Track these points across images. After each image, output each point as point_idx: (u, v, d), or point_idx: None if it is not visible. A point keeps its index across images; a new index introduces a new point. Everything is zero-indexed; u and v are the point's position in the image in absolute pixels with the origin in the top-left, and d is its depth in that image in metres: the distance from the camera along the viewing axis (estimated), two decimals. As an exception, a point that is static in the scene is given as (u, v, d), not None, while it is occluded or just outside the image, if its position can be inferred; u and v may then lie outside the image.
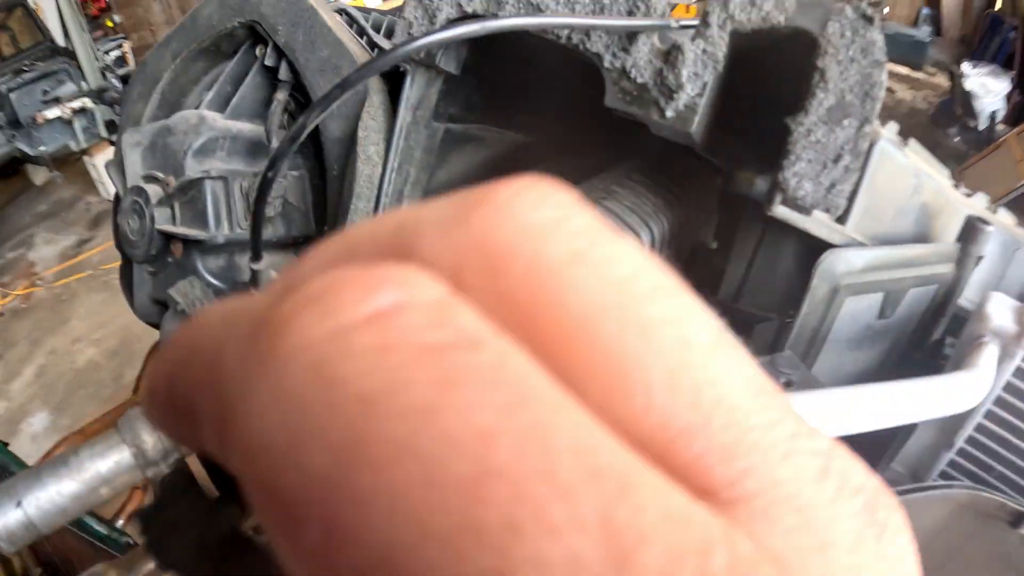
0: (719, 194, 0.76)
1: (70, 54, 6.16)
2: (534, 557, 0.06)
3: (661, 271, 0.09)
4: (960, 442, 0.58)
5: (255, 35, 0.70)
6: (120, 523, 0.97)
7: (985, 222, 0.54)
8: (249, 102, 0.70)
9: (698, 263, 0.79)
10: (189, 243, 0.67)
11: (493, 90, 0.56)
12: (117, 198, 0.79)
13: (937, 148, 4.68)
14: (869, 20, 0.32)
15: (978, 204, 0.65)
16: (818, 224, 0.44)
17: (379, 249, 0.10)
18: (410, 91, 0.48)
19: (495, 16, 0.39)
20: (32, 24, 5.90)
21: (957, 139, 4.25)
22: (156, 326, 0.77)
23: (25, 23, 6.00)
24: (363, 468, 0.07)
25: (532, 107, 0.62)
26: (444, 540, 0.07)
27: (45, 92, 5.36)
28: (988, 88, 4.30)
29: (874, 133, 0.47)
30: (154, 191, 0.67)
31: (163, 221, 0.67)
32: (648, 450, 0.08)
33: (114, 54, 7.35)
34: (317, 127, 0.58)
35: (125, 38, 7.98)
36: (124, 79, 6.65)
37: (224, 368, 0.09)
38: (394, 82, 0.53)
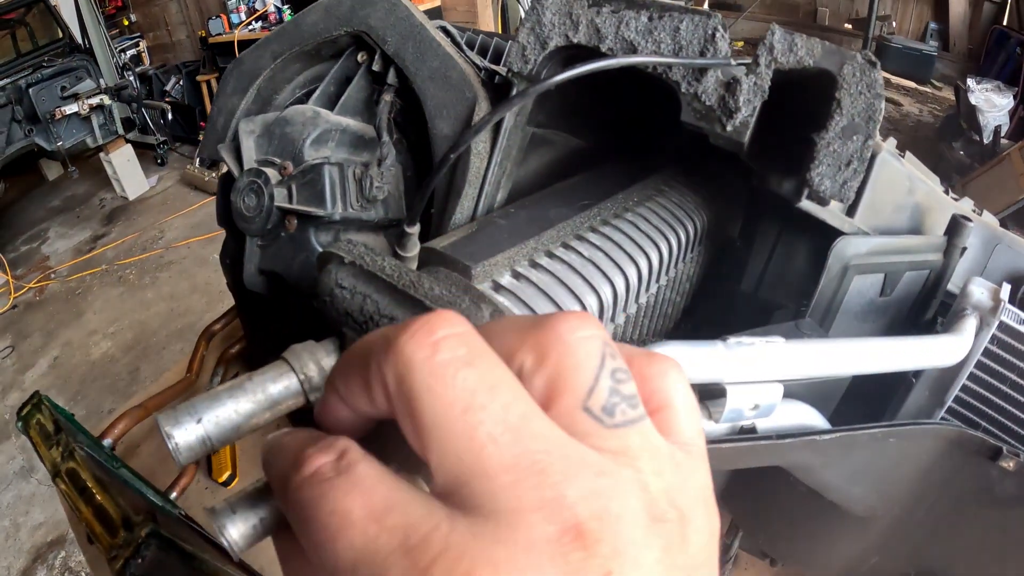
0: (745, 197, 0.89)
1: (88, 51, 6.10)
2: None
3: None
4: (950, 401, 0.71)
5: (359, 43, 0.81)
6: (173, 495, 1.03)
7: (967, 219, 0.67)
8: (354, 101, 0.81)
9: (727, 256, 0.92)
10: (304, 219, 0.77)
11: (568, 103, 0.69)
12: (226, 178, 0.91)
13: (941, 161, 4.72)
14: (873, 64, 0.45)
15: (963, 206, 0.78)
16: (832, 215, 0.57)
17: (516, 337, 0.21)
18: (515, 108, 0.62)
19: (598, 50, 0.52)
20: (51, 20, 5.97)
21: (961, 152, 4.33)
22: (260, 295, 0.90)
23: (43, 20, 6.02)
24: (434, 383, 0.18)
25: (595, 119, 0.75)
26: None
27: (63, 88, 5.50)
28: (992, 103, 4.38)
29: (876, 146, 0.61)
30: (272, 173, 0.79)
31: (281, 199, 0.77)
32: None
33: (130, 52, 7.34)
34: (426, 126, 0.71)
35: (141, 37, 7.98)
36: (141, 77, 6.61)
37: (380, 352, 0.20)
38: (496, 91, 0.66)
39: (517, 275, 0.56)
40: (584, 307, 0.55)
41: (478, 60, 0.78)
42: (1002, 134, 4.41)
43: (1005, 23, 6.61)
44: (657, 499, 0.18)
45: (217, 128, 0.89)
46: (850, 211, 0.59)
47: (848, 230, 0.59)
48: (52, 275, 5.25)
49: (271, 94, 0.92)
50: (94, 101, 5.57)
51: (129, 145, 6.40)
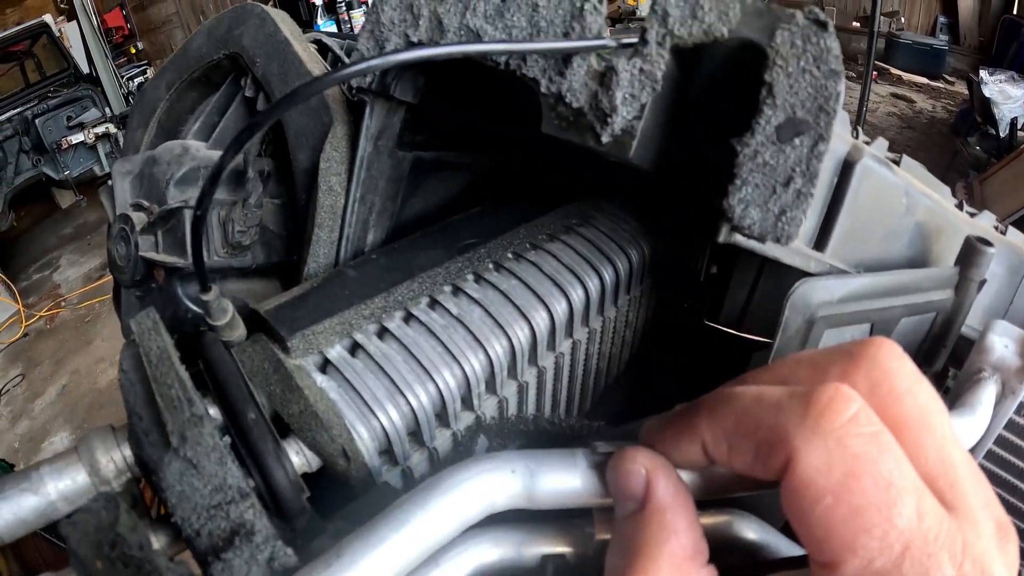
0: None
1: (94, 80, 6.22)
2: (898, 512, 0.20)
3: (939, 403, 0.24)
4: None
5: (239, 67, 0.72)
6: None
7: (986, 242, 0.51)
8: (231, 132, 0.71)
9: (691, 289, 0.76)
10: (170, 270, 0.67)
11: (459, 117, 0.54)
12: (109, 225, 0.80)
13: (956, 157, 4.53)
14: (822, 25, 0.30)
15: (983, 223, 0.61)
16: (789, 252, 0.41)
17: (828, 373, 0.24)
18: (369, 121, 0.47)
19: (436, 44, 0.37)
20: (56, 51, 6.05)
21: (978, 147, 4.14)
22: None
23: (50, 50, 6.12)
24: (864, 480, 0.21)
25: (500, 131, 0.60)
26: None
27: (70, 118, 5.62)
28: (1007, 94, 4.19)
29: (855, 151, 0.45)
30: (139, 218, 0.68)
31: (147, 248, 0.67)
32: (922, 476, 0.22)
33: (138, 80, 7.53)
34: (289, 157, 0.58)
35: (149, 64, 8.19)
36: None
37: (784, 424, 0.22)
38: (360, 114, 0.52)
39: (355, 345, 0.41)
40: (439, 389, 0.39)
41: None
42: (1019, 126, 4.27)
43: (1015, 12, 6.49)
44: None
45: (123, 167, 0.78)
46: (819, 244, 0.43)
47: (815, 269, 0.43)
48: (63, 303, 5.35)
49: (174, 127, 0.85)
50: (100, 130, 5.65)
51: None
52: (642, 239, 0.60)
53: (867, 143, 0.51)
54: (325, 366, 0.40)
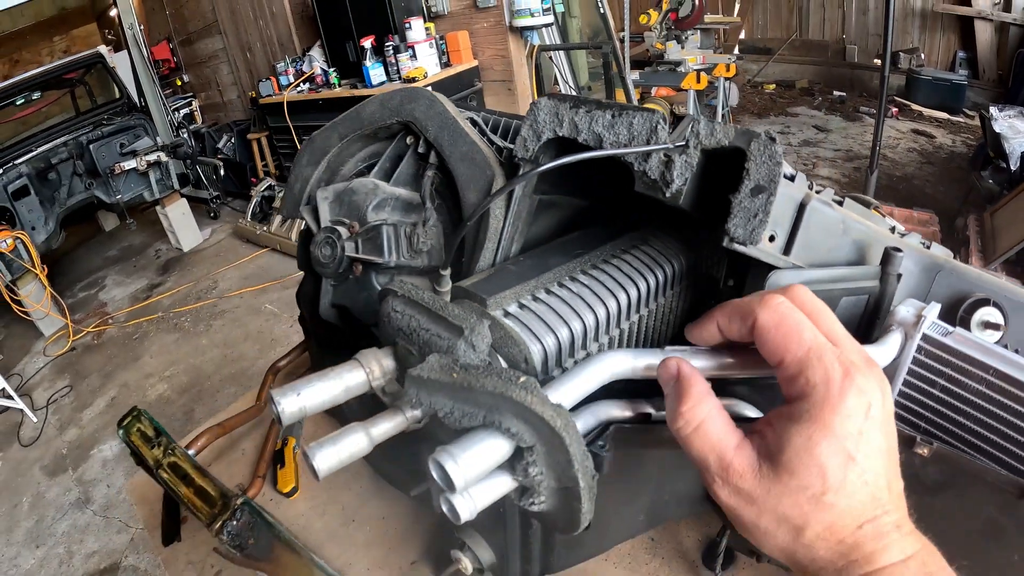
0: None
1: (144, 110, 6.40)
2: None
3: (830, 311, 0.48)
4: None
5: (407, 129, 1.04)
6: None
7: (897, 249, 0.82)
8: (405, 176, 1.04)
9: (714, 295, 1.07)
10: (367, 266, 1.00)
11: (566, 175, 0.88)
12: (306, 233, 1.14)
13: (972, 191, 4.65)
14: (773, 140, 0.63)
15: (911, 241, 0.93)
16: (768, 255, 0.73)
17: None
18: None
19: (576, 140, 0.72)
20: (108, 80, 6.29)
21: (990, 181, 4.32)
22: (331, 324, 1.11)
23: (100, 79, 6.36)
24: (787, 321, 0.46)
25: (590, 186, 0.94)
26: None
27: (123, 145, 5.86)
28: (1017, 129, 4.40)
29: (808, 196, 0.77)
30: (342, 230, 1.02)
31: (350, 250, 1.00)
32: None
33: (184, 111, 7.70)
34: (458, 195, 0.92)
35: (194, 96, 8.38)
36: (194, 135, 6.91)
37: (751, 304, 0.48)
38: (510, 167, 0.86)
39: (521, 305, 0.74)
40: (571, 331, 0.72)
41: (498, 141, 0.99)
42: None
43: (1031, 46, 6.47)
44: None
45: (295, 192, 1.13)
46: (786, 250, 0.76)
47: (782, 265, 0.75)
48: (110, 320, 5.48)
49: (338, 166, 1.16)
50: (151, 158, 5.85)
51: (184, 199, 6.68)
52: (677, 256, 0.93)
53: (818, 191, 0.84)
54: (506, 315, 0.73)
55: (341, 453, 0.51)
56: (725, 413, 0.45)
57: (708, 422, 0.43)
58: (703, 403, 0.44)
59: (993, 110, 4.74)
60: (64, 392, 4.57)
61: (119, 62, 6.48)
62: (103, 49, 6.23)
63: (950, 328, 0.82)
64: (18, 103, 5.76)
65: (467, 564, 0.92)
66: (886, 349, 0.77)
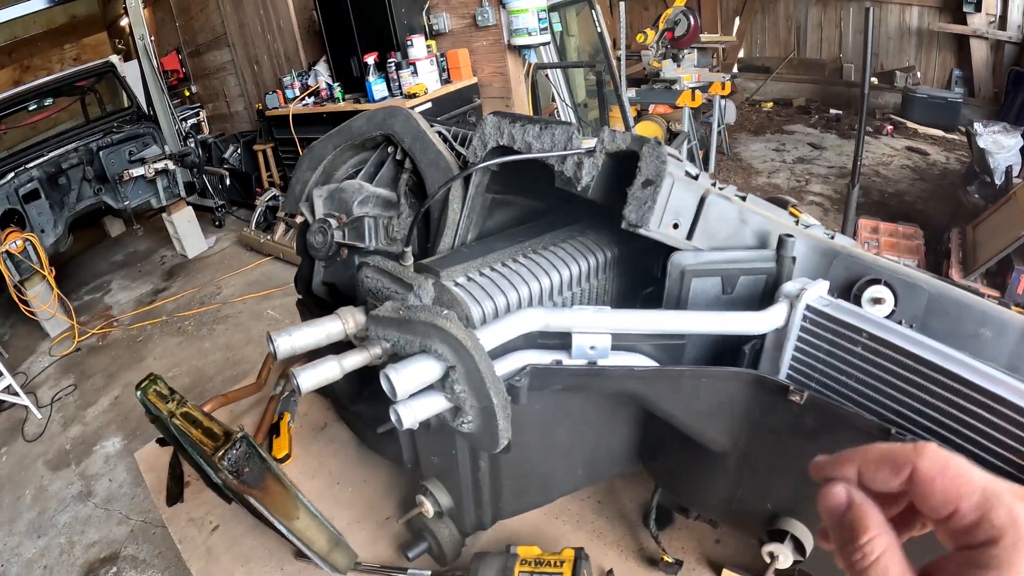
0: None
1: (153, 119, 6.45)
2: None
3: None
4: (784, 367, 1.00)
5: (388, 140, 1.24)
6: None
7: (789, 235, 0.98)
8: (385, 178, 1.23)
9: (651, 282, 1.24)
10: (352, 250, 1.19)
11: (517, 177, 1.06)
12: (304, 224, 1.33)
13: (960, 205, 4.70)
14: (660, 144, 0.80)
15: (815, 232, 1.09)
16: (672, 239, 0.90)
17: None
18: (475, 179, 0.99)
19: (512, 148, 0.89)
20: (117, 88, 6.37)
21: (976, 195, 4.44)
22: (322, 299, 1.29)
23: (110, 87, 6.43)
24: (951, 467, 0.38)
25: (536, 187, 1.12)
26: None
27: (132, 152, 5.92)
28: (1000, 144, 4.53)
29: (707, 191, 0.94)
30: (333, 221, 1.20)
31: (339, 237, 1.19)
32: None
33: (191, 121, 7.76)
34: (424, 193, 1.09)
35: (201, 107, 8.46)
36: (201, 144, 7.03)
37: (907, 451, 0.39)
38: (471, 174, 1.04)
39: (468, 278, 0.91)
40: (507, 299, 0.89)
41: (460, 149, 1.17)
42: (1015, 174, 4.51)
43: (1025, 63, 6.35)
44: None
45: (295, 192, 1.32)
46: (689, 235, 0.92)
47: (684, 247, 0.92)
48: (115, 323, 5.48)
49: (332, 171, 1.35)
50: (159, 166, 5.91)
51: (190, 207, 6.66)
52: (610, 246, 1.10)
53: (721, 188, 1.01)
54: (456, 285, 0.90)
55: (319, 375, 0.68)
56: (902, 549, 0.42)
57: (888, 555, 0.41)
58: (883, 536, 0.42)
59: (978, 126, 4.83)
60: (69, 391, 4.58)
61: (129, 72, 6.54)
62: (114, 58, 6.34)
63: (830, 300, 0.98)
64: (30, 108, 5.84)
65: (428, 507, 1.07)
66: (770, 316, 0.93)
